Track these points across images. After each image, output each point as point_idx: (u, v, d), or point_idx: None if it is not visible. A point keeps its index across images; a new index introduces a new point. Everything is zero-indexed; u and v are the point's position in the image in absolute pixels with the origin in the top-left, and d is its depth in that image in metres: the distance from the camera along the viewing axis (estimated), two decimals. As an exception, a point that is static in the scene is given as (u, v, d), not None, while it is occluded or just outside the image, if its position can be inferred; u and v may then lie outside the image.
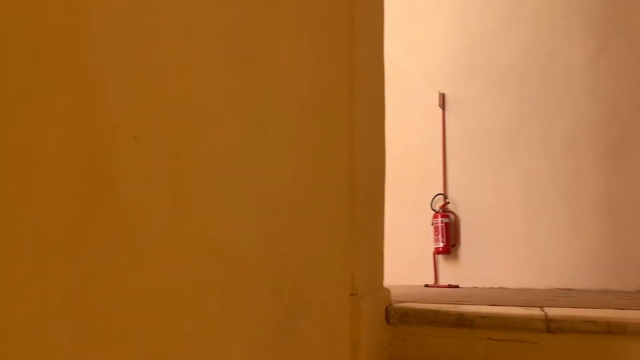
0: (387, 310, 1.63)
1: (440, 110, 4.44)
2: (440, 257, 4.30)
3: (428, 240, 4.30)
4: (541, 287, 3.94)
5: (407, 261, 4.37)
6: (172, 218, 0.73)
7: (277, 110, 1.06)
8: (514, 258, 4.09)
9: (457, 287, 4.08)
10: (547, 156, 4.10)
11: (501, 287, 4.04)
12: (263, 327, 0.97)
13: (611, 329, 1.42)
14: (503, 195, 4.18)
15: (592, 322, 1.44)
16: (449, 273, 4.26)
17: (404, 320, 1.62)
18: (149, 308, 0.68)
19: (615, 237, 3.83)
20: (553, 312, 1.55)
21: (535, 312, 1.56)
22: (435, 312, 1.59)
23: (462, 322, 1.55)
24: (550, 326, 1.47)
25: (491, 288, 4.02)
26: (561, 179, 4.03)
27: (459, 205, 4.31)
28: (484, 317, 1.53)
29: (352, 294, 1.40)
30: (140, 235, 0.67)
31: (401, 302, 1.86)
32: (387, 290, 1.71)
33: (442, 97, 4.44)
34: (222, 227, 0.86)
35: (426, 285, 4.15)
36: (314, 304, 1.21)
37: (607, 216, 3.87)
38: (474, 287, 4.09)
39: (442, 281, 4.25)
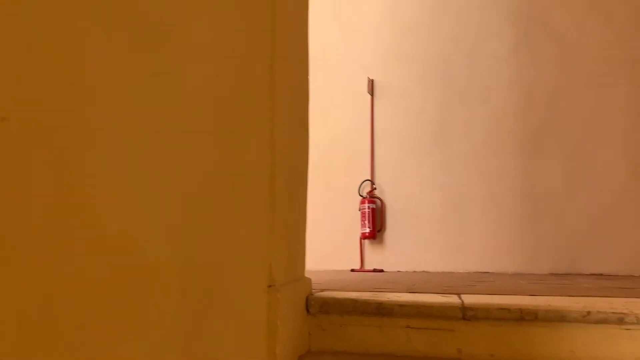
0: (307, 300, 1.60)
1: (369, 96, 4.46)
2: (366, 242, 4.35)
3: (355, 225, 4.33)
4: (461, 271, 4.09)
5: (334, 246, 4.39)
6: (54, 208, 0.65)
7: (187, 94, 0.98)
8: (436, 243, 4.20)
9: (381, 271, 4.15)
10: (470, 144, 4.22)
11: (424, 271, 4.15)
12: (169, 327, 0.90)
13: (523, 316, 1.46)
14: (428, 181, 4.28)
15: (505, 309, 1.47)
16: (375, 257, 4.32)
17: (324, 309, 1.59)
18: (22, 314, 0.60)
19: (530, 223, 4.02)
20: (469, 299, 1.58)
21: (452, 299, 1.58)
22: (355, 301, 1.57)
23: (382, 310, 1.54)
24: (466, 314, 1.49)
25: (414, 272, 4.11)
26: (482, 166, 4.17)
27: (386, 191, 4.37)
28: (402, 305, 1.53)
29: (269, 286, 1.35)
30: (12, 226, 0.58)
31: (323, 290, 1.83)
32: (308, 280, 1.67)
33: (371, 83, 4.46)
34: (119, 220, 0.78)
35: (352, 270, 4.19)
36: (227, 300, 1.15)
37: (524, 203, 4.05)
38: (398, 271, 4.17)
39: (368, 266, 4.31)
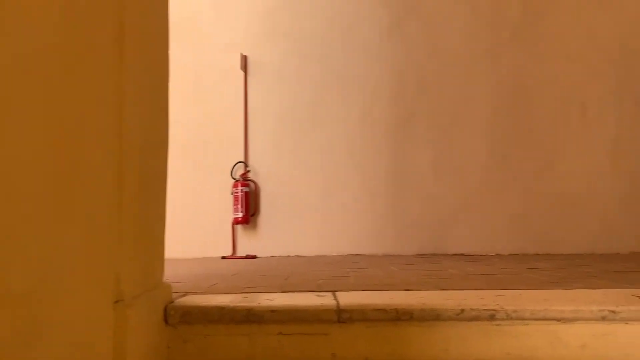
0: (166, 309, 1.40)
1: (242, 74, 4.24)
2: (239, 227, 4.17)
3: (228, 209, 4.12)
4: (335, 254, 4.08)
5: (206, 231, 4.15)
6: None
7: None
8: (311, 227, 4.15)
9: (255, 257, 4.01)
10: (345, 127, 4.20)
11: (298, 255, 4.08)
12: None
13: (399, 316, 1.40)
14: (303, 164, 4.19)
15: (382, 310, 1.40)
16: (248, 243, 4.16)
17: (185, 320, 1.40)
18: None
19: (400, 206, 4.11)
20: (344, 299, 1.48)
21: (327, 300, 1.47)
22: (222, 308, 1.40)
23: (251, 317, 1.39)
24: (342, 316, 1.39)
25: (289, 257, 4.03)
26: (357, 149, 4.17)
27: (260, 174, 4.21)
28: (274, 310, 1.39)
29: (117, 301, 1.13)
30: None
31: (186, 294, 1.64)
32: (167, 286, 1.47)
33: (245, 59, 4.23)
34: None
35: (223, 257, 4.00)
36: (59, 325, 0.92)
37: (394, 186, 4.13)
38: (272, 257, 4.06)
39: (241, 252, 4.14)
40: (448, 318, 1.40)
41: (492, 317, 1.40)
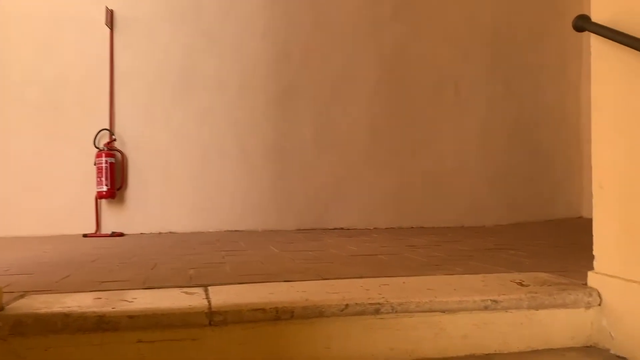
0: (-8, 320, 1.12)
1: (108, 30, 3.77)
2: (104, 202, 3.77)
3: (91, 182, 3.70)
4: (212, 230, 3.86)
5: (66, 206, 3.70)
6: None
7: None
8: (186, 202, 3.87)
9: (122, 235, 3.66)
10: (223, 96, 3.93)
11: (171, 232, 3.80)
12: None
13: (279, 315, 1.25)
14: (177, 134, 3.87)
15: (260, 309, 1.24)
16: (115, 219, 3.79)
17: (19, 331, 1.14)
18: None
19: (280, 180, 3.98)
20: (218, 297, 1.31)
21: (197, 301, 1.28)
22: (67, 316, 1.16)
23: (104, 325, 1.17)
24: (214, 319, 1.22)
25: (160, 234, 3.74)
26: (236, 120, 3.94)
27: (128, 143, 3.82)
28: (132, 317, 1.18)
29: None
30: None
31: (24, 294, 1.35)
32: (-6, 291, 1.18)
33: (110, 13, 3.76)
34: None
35: (85, 235, 3.59)
36: None
37: (275, 160, 3.98)
38: (142, 234, 3.74)
39: (106, 228, 3.75)
40: (332, 314, 1.29)
41: (377, 311, 1.32)
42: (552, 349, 1.44)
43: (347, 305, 1.29)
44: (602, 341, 1.44)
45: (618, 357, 1.37)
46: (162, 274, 1.72)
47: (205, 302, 1.27)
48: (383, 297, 1.33)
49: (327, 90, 4.07)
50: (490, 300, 1.38)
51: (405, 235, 3.47)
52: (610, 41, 1.39)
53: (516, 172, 4.36)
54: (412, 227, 4.12)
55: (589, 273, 1.50)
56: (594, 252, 1.50)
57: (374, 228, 4.06)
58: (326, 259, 2.12)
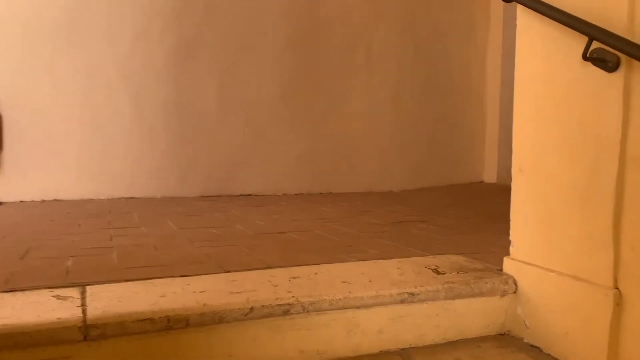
0: None
1: (-28, -36, 3.19)
2: (-27, 166, 3.28)
3: (-44, 142, 3.19)
4: (104, 197, 3.51)
5: None
6: None
7: None
8: (73, 165, 3.47)
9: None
10: (116, 46, 3.51)
11: (56, 200, 3.40)
12: None
13: (172, 325, 1.07)
14: (60, 90, 3.42)
15: (148, 319, 1.05)
16: (-12, 185, 3.32)
17: None
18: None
19: (182, 143, 3.68)
20: (96, 306, 1.09)
21: (69, 311, 1.06)
22: None
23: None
24: (90, 334, 1.01)
25: (43, 202, 3.34)
26: (130, 76, 3.55)
27: (3, 101, 3.32)
28: (-18, 338, 0.94)
29: None
30: None
31: None
32: None
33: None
34: None
35: (-50, 206, 3.12)
36: None
37: (175, 120, 3.66)
38: (21, 202, 3.32)
39: (-23, 196, 3.28)
40: (234, 319, 1.13)
41: (286, 312, 1.17)
42: (467, 339, 1.38)
43: (252, 308, 1.13)
44: (515, 329, 1.40)
45: (531, 346, 1.34)
46: (32, 267, 1.45)
47: (79, 312, 1.05)
48: (293, 296, 1.19)
49: (234, 46, 3.77)
50: (407, 293, 1.29)
51: (315, 203, 3.35)
52: (538, 14, 1.29)
53: (424, 137, 4.37)
54: (322, 193, 4.02)
55: (505, 259, 1.45)
56: (511, 238, 1.45)
57: (283, 194, 3.91)
58: (231, 239, 1.94)
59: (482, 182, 4.58)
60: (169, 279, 1.32)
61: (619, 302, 1.13)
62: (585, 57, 1.16)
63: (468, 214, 2.75)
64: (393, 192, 4.16)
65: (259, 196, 3.79)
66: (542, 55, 1.32)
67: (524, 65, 1.39)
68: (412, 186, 4.31)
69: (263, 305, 1.15)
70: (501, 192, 3.90)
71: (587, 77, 1.19)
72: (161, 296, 1.17)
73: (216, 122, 3.75)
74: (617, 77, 1.13)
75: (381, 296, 1.26)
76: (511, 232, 1.44)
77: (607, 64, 1.14)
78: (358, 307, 1.25)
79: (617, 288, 1.13)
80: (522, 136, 1.41)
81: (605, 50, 1.13)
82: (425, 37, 4.33)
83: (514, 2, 1.36)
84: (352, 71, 4.11)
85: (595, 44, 1.15)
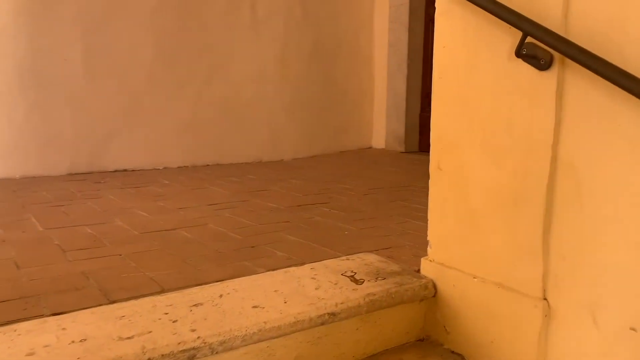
0: None
1: None
2: None
3: None
4: (-54, 180, 2.95)
5: None
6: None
7: None
8: None
9: None
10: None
11: None
12: None
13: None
14: None
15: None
16: None
17: None
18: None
19: (41, 113, 3.18)
20: None
21: None
22: None
23: None
24: None
25: None
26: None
27: None
28: None
29: None
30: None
31: None
32: None
33: None
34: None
35: None
36: None
37: (32, 87, 3.14)
38: None
39: None
40: (126, 379, 0.91)
41: (192, 358, 0.98)
42: (388, 349, 1.29)
43: (149, 360, 0.92)
44: (435, 333, 1.34)
45: (452, 352, 1.29)
46: None
47: None
48: (199, 337, 0.99)
49: (101, 1, 3.28)
50: (328, 314, 1.15)
51: (203, 180, 3.10)
52: (463, -1, 1.16)
53: (313, 102, 4.23)
54: (208, 165, 3.75)
55: (423, 260, 1.37)
56: (429, 238, 1.36)
57: (164, 168, 3.58)
58: (111, 244, 1.66)
59: (370, 147, 4.58)
60: (38, 322, 1.05)
61: (547, 313, 1.08)
62: (517, 54, 1.06)
63: (366, 189, 2.68)
64: (284, 162, 4.01)
65: (137, 171, 3.44)
66: (464, 44, 1.20)
67: (444, 51, 1.27)
68: (303, 154, 4.18)
69: (163, 355, 0.94)
70: (391, 159, 3.92)
71: (516, 74, 1.10)
72: (28, 354, 0.92)
73: (83, 88, 3.29)
74: (549, 76, 1.04)
75: (300, 322, 1.11)
76: (429, 231, 1.36)
77: (539, 61, 1.05)
78: (275, 337, 1.09)
79: (545, 299, 1.09)
80: (441, 130, 1.30)
81: (538, 46, 1.04)
82: (313, -3, 4.12)
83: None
84: (237, 31, 3.80)
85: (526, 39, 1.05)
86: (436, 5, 1.27)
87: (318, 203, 2.32)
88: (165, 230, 1.83)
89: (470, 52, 1.20)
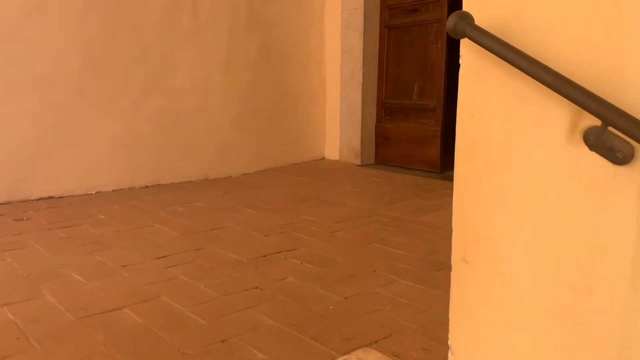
0: None
1: None
2: None
3: None
4: None
5: None
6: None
7: None
8: None
9: None
10: None
11: None
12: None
13: None
14: None
15: None
16: None
17: None
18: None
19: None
20: None
21: None
22: None
23: None
24: None
25: None
26: None
27: None
28: None
29: None
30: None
31: None
32: None
33: None
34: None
35: None
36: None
37: None
38: None
39: None
40: None
41: None
42: None
43: None
44: None
45: None
46: None
47: None
48: None
49: (16, 3, 2.81)
50: None
51: (143, 210, 2.73)
52: (505, 63, 0.92)
53: (262, 111, 3.91)
54: (147, 187, 3.36)
55: (441, 367, 1.13)
56: (450, 343, 1.11)
57: (97, 193, 3.17)
58: (41, 343, 1.31)
59: (324, 158, 4.32)
60: None
61: None
62: (591, 147, 0.82)
63: (331, 222, 2.42)
64: (232, 178, 3.68)
65: (66, 198, 3.01)
66: (503, 117, 0.96)
67: (472, 121, 1.02)
68: (253, 168, 3.86)
69: None
70: (348, 175, 3.66)
71: (578, 164, 0.87)
72: None
73: (-3, 104, 2.82)
74: (629, 173, 0.82)
75: None
76: (450, 334, 1.12)
77: (615, 153, 0.82)
78: None
79: None
80: (467, 216, 1.05)
81: (615, 135, 0.81)
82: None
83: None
84: (177, 36, 3.41)
85: (588, 118, 0.83)
86: (461, 59, 1.02)
87: (285, 250, 2.04)
88: (109, 310, 1.49)
89: (510, 129, 0.95)
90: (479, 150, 1.02)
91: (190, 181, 3.53)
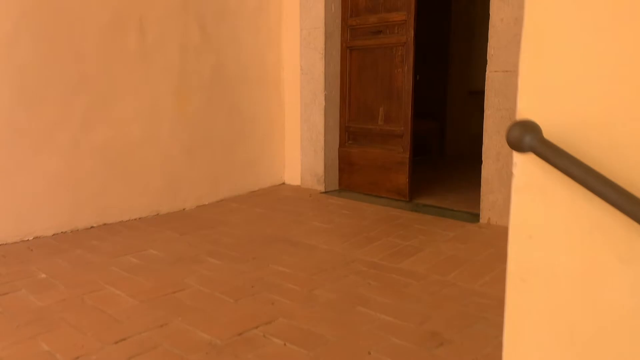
0: None
1: None
2: None
3: None
4: None
5: None
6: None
7: None
8: None
9: None
10: None
11: None
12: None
13: None
14: None
15: None
16: None
17: None
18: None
19: None
20: None
21: None
22: None
23: None
24: None
25: None
26: None
27: None
28: None
29: None
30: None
31: None
32: None
33: None
34: None
35: None
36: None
37: None
38: None
39: None
40: None
41: None
42: None
43: None
44: None
45: None
46: None
47: None
48: None
49: None
50: None
51: (91, 263, 2.42)
52: (581, 187, 0.74)
53: (216, 137, 3.63)
54: (93, 227, 3.03)
55: None
56: None
57: (35, 238, 2.81)
58: None
59: (283, 183, 4.09)
60: None
61: None
62: None
63: (307, 274, 2.21)
64: (186, 212, 3.39)
65: (1, 247, 2.64)
66: (570, 245, 0.79)
67: (530, 244, 0.84)
68: (208, 199, 3.58)
69: None
70: (313, 205, 3.44)
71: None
72: None
73: None
74: None
75: None
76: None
77: None
78: None
79: None
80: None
81: None
82: (212, 18, 3.49)
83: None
84: (121, 60, 3.08)
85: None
86: (517, 170, 0.83)
87: (262, 324, 1.81)
88: None
89: (582, 260, 0.78)
90: (538, 277, 0.84)
91: (140, 218, 3.22)
